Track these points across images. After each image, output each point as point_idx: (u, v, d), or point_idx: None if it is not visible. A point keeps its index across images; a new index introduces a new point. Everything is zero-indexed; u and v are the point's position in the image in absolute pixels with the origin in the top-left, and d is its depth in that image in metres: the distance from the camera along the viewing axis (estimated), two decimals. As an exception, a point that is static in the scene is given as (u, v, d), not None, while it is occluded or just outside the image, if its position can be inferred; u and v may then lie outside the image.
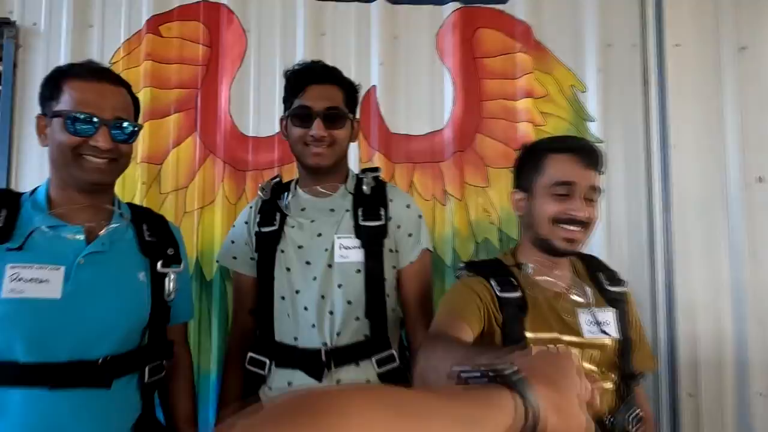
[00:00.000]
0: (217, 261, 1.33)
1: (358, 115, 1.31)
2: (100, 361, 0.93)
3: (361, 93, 1.36)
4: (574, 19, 1.83)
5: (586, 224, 1.08)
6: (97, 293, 0.95)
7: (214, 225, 1.69)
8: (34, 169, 1.66)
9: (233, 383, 1.26)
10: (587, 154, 1.09)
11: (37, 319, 0.90)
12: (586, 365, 1.04)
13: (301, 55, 1.74)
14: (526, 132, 1.77)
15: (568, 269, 1.15)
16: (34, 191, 1.04)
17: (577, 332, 1.07)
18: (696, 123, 1.79)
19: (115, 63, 1.69)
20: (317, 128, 1.18)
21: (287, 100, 1.25)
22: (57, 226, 0.98)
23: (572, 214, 1.06)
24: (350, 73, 1.43)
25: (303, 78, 1.22)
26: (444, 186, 1.75)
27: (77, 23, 1.71)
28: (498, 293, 1.07)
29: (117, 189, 1.63)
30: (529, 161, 1.15)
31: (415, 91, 1.78)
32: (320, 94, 1.19)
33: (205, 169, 1.71)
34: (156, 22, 1.73)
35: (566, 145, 1.13)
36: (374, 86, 1.75)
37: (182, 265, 1.10)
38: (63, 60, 1.68)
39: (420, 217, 1.30)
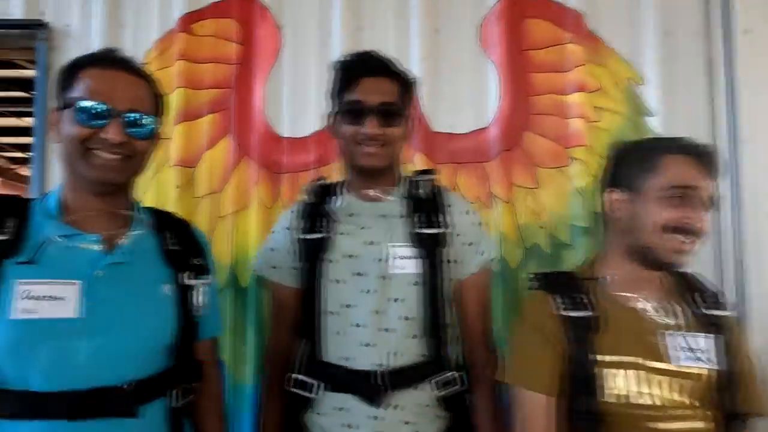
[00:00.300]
0: (255, 271, 1.21)
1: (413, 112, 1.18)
2: (124, 386, 0.84)
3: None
4: (631, 6, 1.69)
5: (698, 235, 0.96)
6: (119, 310, 0.86)
7: (248, 230, 1.62)
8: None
9: (274, 406, 1.15)
10: (708, 158, 0.98)
11: (53, 343, 0.81)
12: (675, 397, 0.92)
13: (337, 51, 1.65)
14: (579, 129, 1.64)
15: (657, 286, 1.03)
16: (44, 197, 0.94)
17: (664, 358, 0.94)
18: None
19: (147, 63, 1.64)
20: (370, 126, 1.06)
21: (336, 95, 1.13)
22: (71, 235, 0.88)
23: (688, 223, 0.95)
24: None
25: (355, 70, 1.10)
26: (490, 188, 1.64)
27: (110, 23, 1.67)
28: (561, 311, 0.96)
29: (151, 193, 1.63)
30: (637, 159, 1.02)
31: (458, 87, 1.68)
32: (374, 88, 1.07)
33: (239, 171, 1.65)
34: (188, 20, 1.67)
35: (686, 145, 1.00)
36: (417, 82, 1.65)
37: (211, 276, 1.01)
38: (96, 61, 1.64)
39: (481, 224, 1.19)
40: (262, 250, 1.26)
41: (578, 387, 0.95)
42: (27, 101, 4.42)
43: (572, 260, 1.59)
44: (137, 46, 1.67)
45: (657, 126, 1.64)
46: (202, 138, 1.64)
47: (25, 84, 4.13)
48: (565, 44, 1.67)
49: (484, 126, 1.67)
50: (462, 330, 1.15)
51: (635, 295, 0.99)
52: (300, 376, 1.09)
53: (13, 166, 7.64)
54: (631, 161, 1.03)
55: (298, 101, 1.66)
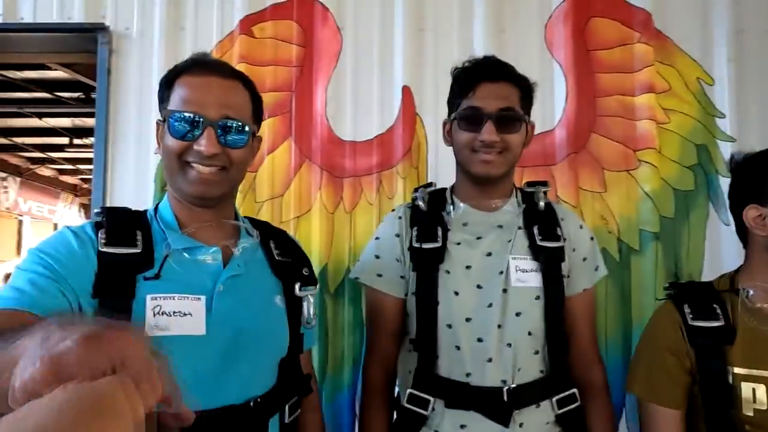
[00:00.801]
0: (356, 278, 1.17)
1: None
2: (251, 403, 0.81)
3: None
4: (700, 4, 1.64)
5: None
6: (241, 324, 0.84)
7: (311, 235, 1.60)
8: (130, 180, 1.61)
9: (380, 421, 1.11)
10: None
11: (184, 362, 0.76)
12: None
13: (400, 53, 1.63)
14: (647, 130, 1.60)
15: None
16: (156, 208, 0.92)
17: None
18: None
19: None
20: (488, 132, 1.02)
21: (453, 101, 1.11)
22: (193, 248, 0.86)
23: None
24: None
25: (473, 75, 1.07)
26: (557, 191, 1.60)
27: (170, 26, 1.65)
28: (689, 322, 0.94)
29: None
30: None
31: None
32: (493, 93, 1.04)
33: (301, 176, 1.63)
34: (249, 23, 1.65)
35: None
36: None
37: (317, 287, 0.99)
38: (156, 65, 1.63)
39: (592, 239, 1.17)
40: (365, 256, 1.21)
41: (714, 400, 0.93)
42: (49, 102, 4.45)
43: (641, 267, 1.56)
44: (197, 49, 1.63)
45: (728, 128, 1.60)
46: (264, 142, 1.62)
47: (48, 84, 4.16)
48: (633, 44, 1.63)
49: (550, 128, 1.63)
50: (574, 345, 1.11)
51: None
52: (415, 392, 1.05)
53: (32, 166, 7.71)
54: None
55: (359, 104, 1.64)
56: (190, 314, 0.80)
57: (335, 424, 1.52)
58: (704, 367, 0.94)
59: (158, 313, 0.78)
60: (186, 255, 0.85)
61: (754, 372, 0.91)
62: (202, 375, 0.79)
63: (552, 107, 1.64)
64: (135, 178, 1.61)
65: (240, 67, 1.61)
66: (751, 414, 0.91)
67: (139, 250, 0.82)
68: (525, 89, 1.10)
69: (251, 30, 1.65)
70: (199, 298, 0.81)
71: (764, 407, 0.91)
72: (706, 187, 1.58)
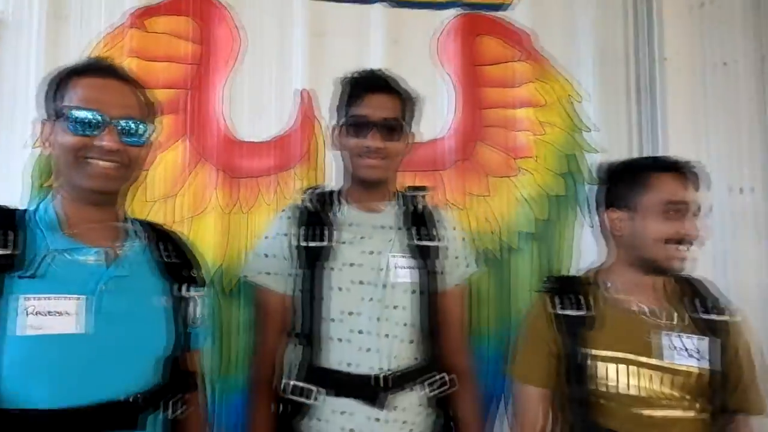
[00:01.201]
0: (245, 276, 1.22)
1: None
2: (129, 399, 0.84)
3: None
4: (573, 29, 1.84)
5: (692, 243, 1.09)
6: (123, 324, 0.86)
7: (205, 235, 1.59)
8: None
9: (264, 413, 1.15)
10: (692, 174, 1.11)
11: (61, 359, 0.80)
12: (664, 390, 1.05)
13: (299, 56, 1.66)
14: (526, 141, 1.77)
15: (658, 291, 1.15)
16: (36, 207, 0.92)
17: (655, 355, 1.07)
18: (685, 133, 1.84)
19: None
20: (373, 139, 1.13)
21: (341, 109, 1.19)
22: (73, 248, 0.87)
23: (683, 234, 1.07)
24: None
25: (362, 85, 1.17)
26: (446, 195, 1.72)
27: (50, 13, 1.55)
28: (557, 310, 1.10)
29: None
30: (630, 179, 1.14)
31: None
32: (378, 104, 1.14)
33: (196, 175, 1.60)
34: (140, 16, 1.59)
35: (672, 164, 1.13)
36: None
37: (205, 288, 1.01)
38: (34, 54, 1.53)
39: (465, 239, 1.29)
40: (253, 255, 1.26)
41: (572, 378, 1.08)
42: None
43: (520, 264, 1.72)
44: (81, 40, 1.57)
45: (595, 140, 1.81)
46: (156, 140, 1.58)
47: None
48: (515, 62, 1.79)
49: (441, 136, 1.75)
50: (445, 334, 1.22)
51: (633, 299, 1.12)
52: (299, 383, 1.10)
53: None
54: (625, 182, 1.15)
55: (258, 105, 1.65)
56: (68, 313, 0.81)
57: (228, 425, 1.52)
58: (567, 349, 1.09)
59: (32, 312, 0.79)
60: (67, 256, 0.86)
61: (609, 353, 1.07)
62: (81, 372, 0.81)
63: (442, 117, 1.75)
64: (6, 177, 1.50)
65: (132, 62, 1.57)
66: (604, 389, 1.07)
67: (9, 252, 0.82)
68: (409, 102, 1.21)
69: (144, 24, 1.60)
70: (78, 298, 0.83)
71: (614, 383, 1.06)
72: (575, 193, 1.78)
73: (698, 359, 1.07)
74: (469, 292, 1.65)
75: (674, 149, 1.82)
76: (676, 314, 1.12)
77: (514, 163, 1.76)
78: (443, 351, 1.20)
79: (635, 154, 1.83)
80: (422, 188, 1.28)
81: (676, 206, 1.09)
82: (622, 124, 1.85)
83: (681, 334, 1.09)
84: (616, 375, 1.06)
